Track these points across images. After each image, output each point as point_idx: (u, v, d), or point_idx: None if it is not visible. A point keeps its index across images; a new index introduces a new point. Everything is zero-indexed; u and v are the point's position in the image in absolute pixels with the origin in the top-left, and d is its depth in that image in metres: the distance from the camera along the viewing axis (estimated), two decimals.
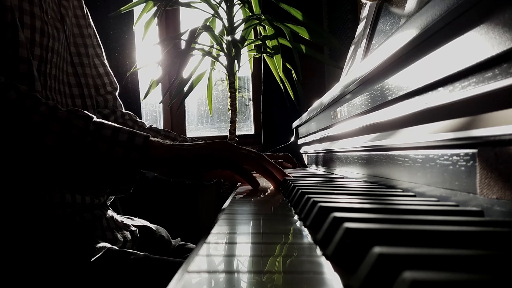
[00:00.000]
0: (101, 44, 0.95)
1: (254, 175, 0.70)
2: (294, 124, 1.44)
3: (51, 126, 0.56)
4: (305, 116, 1.23)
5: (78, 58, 0.83)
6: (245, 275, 0.23)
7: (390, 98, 0.53)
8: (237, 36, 1.58)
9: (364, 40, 0.95)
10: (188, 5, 1.66)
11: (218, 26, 1.72)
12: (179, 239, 0.95)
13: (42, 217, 0.67)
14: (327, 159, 1.00)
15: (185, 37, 1.49)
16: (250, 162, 0.67)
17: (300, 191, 0.49)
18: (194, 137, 1.09)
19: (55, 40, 0.73)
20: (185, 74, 1.57)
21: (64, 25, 0.79)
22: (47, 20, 0.72)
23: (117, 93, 0.97)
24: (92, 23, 0.93)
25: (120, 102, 0.98)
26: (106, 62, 0.96)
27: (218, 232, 0.33)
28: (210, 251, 0.28)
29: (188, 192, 1.99)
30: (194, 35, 1.47)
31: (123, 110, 0.98)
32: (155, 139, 0.62)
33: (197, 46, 1.63)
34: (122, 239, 0.77)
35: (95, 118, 0.60)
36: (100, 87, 0.93)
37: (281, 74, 1.63)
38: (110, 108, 0.95)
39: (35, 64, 0.68)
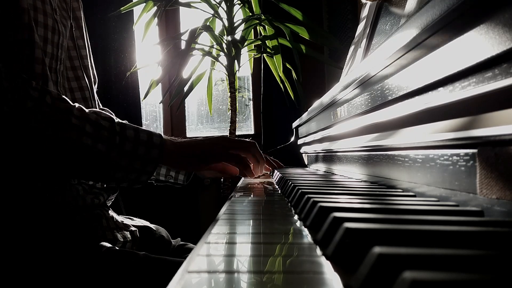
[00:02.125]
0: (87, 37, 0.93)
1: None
2: (294, 124, 1.44)
3: (86, 128, 0.61)
4: (305, 116, 1.23)
5: (77, 51, 0.83)
6: (245, 275, 0.23)
7: (390, 98, 0.53)
8: (237, 36, 1.58)
9: (364, 40, 0.95)
10: (188, 5, 1.66)
11: (218, 26, 1.72)
12: (179, 239, 0.95)
13: (42, 216, 0.67)
14: (327, 159, 1.00)
15: (185, 37, 1.49)
16: (241, 149, 0.77)
17: (300, 191, 0.49)
18: (194, 137, 1.09)
19: (64, 38, 0.75)
20: (185, 74, 1.57)
21: (68, 21, 0.79)
22: (56, 18, 0.73)
23: (95, 87, 0.95)
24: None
25: (97, 97, 0.96)
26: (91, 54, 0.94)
27: (218, 232, 0.33)
28: (210, 251, 0.28)
29: (188, 192, 1.99)
30: (194, 35, 1.47)
31: (100, 106, 0.96)
32: (166, 137, 0.70)
33: (197, 46, 1.62)
34: (122, 239, 0.77)
35: (116, 119, 0.65)
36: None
37: (281, 74, 1.63)
38: None
39: (47, 61, 0.69)
